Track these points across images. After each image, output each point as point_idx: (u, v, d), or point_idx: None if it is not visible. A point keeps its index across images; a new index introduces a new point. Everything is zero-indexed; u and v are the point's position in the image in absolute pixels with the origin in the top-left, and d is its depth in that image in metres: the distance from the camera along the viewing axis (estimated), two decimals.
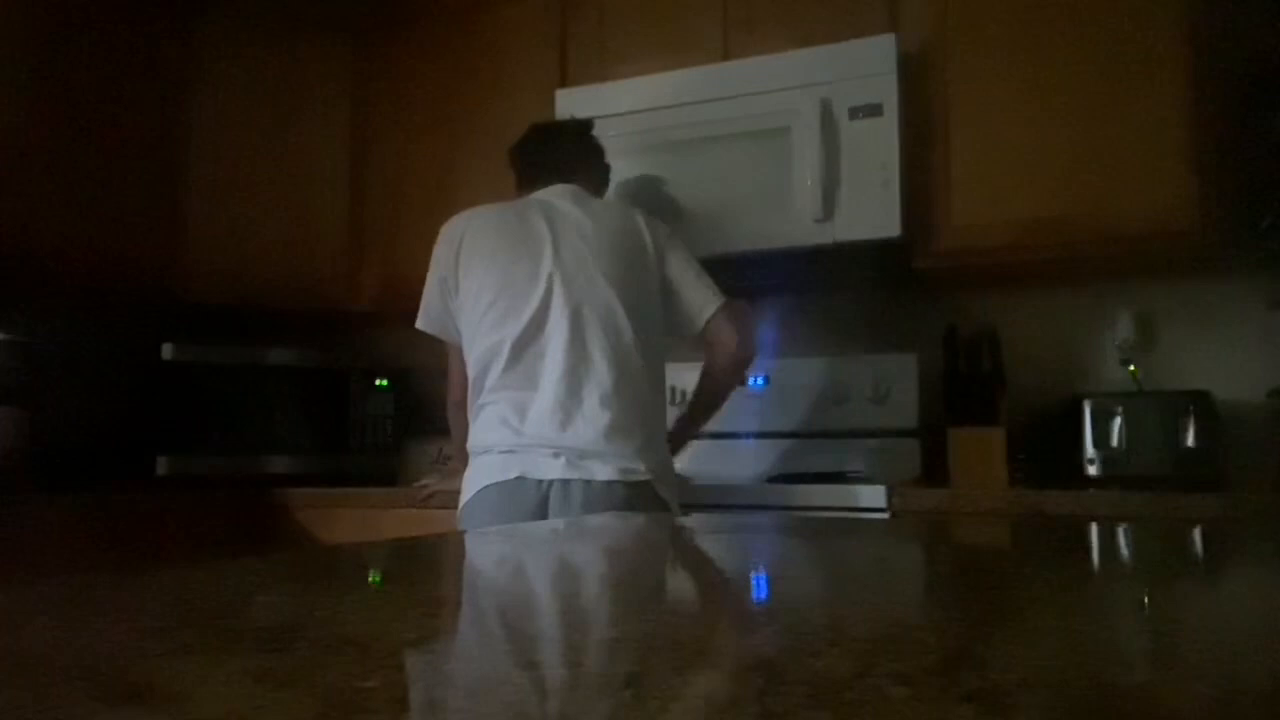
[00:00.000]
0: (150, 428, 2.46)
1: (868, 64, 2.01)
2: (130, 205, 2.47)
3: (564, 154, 1.86)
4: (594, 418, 1.59)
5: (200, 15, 2.65)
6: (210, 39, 2.66)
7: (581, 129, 1.92)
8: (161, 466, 2.41)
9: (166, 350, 2.43)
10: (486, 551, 0.81)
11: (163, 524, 2.18)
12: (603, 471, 1.57)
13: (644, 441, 1.63)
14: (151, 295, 2.57)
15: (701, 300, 1.75)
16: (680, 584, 0.64)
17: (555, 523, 1.36)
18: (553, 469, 1.57)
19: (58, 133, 2.29)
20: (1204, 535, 0.97)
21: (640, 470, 1.60)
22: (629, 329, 1.65)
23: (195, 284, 2.60)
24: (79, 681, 0.32)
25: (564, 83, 2.39)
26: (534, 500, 1.57)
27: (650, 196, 2.16)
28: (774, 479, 2.00)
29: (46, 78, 2.27)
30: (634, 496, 1.58)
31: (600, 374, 1.62)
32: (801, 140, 2.03)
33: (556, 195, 1.77)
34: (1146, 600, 0.54)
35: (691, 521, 1.19)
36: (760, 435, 2.32)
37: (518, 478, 1.58)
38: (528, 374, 1.63)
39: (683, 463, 2.34)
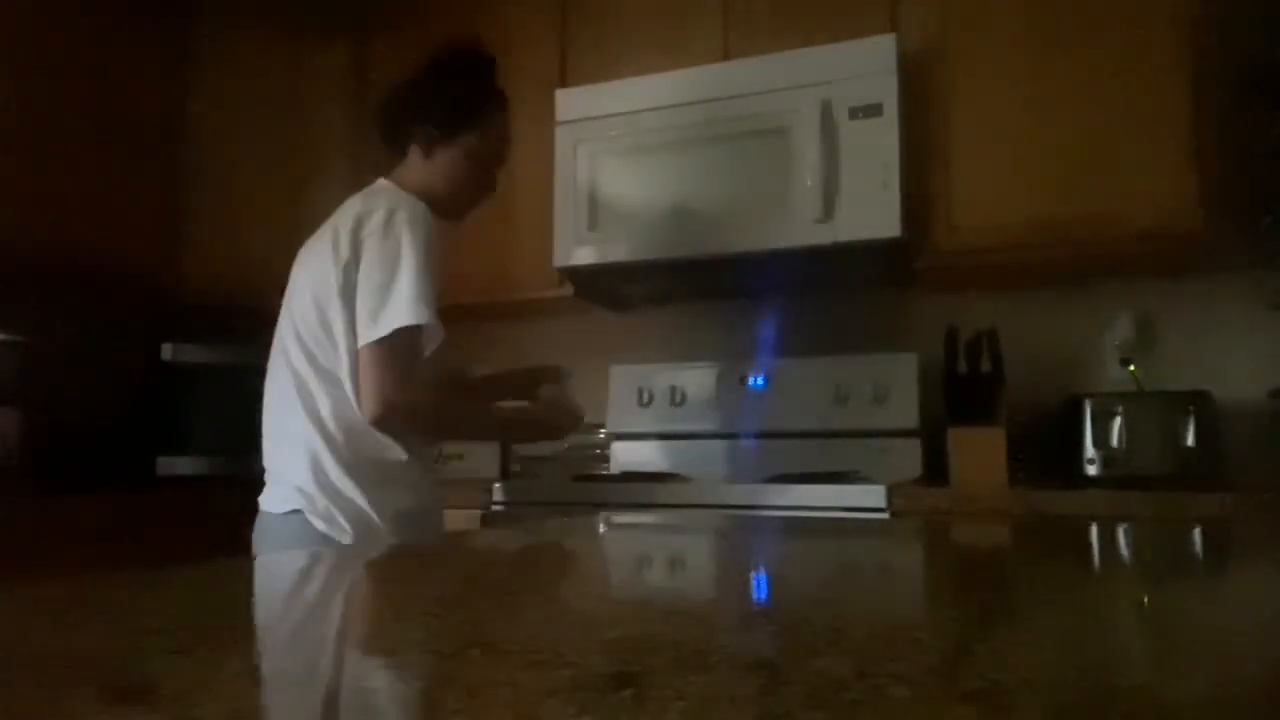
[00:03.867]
0: (150, 428, 2.46)
1: (868, 64, 2.01)
2: (130, 205, 2.47)
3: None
4: None
5: (200, 15, 2.64)
6: (210, 39, 2.65)
7: None
8: (161, 466, 2.41)
9: (166, 350, 2.43)
10: (495, 549, 0.81)
11: (163, 524, 2.17)
12: None
13: None
14: (151, 295, 2.57)
15: None
16: (681, 584, 0.64)
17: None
18: None
19: (58, 133, 2.29)
20: (1203, 535, 0.97)
21: None
22: None
23: (195, 284, 2.59)
24: (80, 681, 0.32)
25: (564, 83, 2.39)
26: None
27: (651, 196, 2.16)
28: (774, 479, 1.99)
29: (46, 78, 2.27)
30: None
31: None
32: (801, 140, 2.03)
33: None
34: (1146, 600, 0.54)
35: (690, 521, 1.19)
36: (760, 435, 2.32)
37: None
38: None
39: (684, 463, 2.35)
